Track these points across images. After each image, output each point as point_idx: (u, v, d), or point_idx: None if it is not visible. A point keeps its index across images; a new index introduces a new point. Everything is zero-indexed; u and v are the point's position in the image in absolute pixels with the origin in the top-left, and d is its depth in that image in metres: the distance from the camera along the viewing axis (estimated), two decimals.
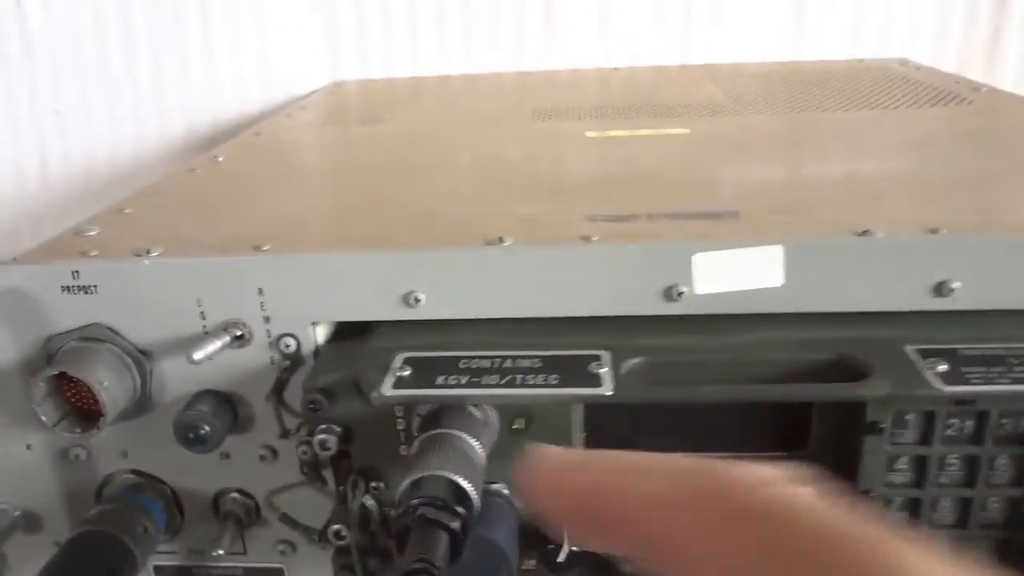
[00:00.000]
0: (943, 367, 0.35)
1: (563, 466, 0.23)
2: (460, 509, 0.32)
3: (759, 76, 0.89)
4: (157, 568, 0.47)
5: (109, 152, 0.99)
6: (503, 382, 0.36)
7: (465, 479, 0.33)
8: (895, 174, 0.50)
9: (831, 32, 0.97)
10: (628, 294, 0.39)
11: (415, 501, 0.32)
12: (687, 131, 0.63)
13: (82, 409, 0.41)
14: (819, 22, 0.96)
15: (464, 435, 0.35)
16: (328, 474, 0.42)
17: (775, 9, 0.96)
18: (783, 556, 0.18)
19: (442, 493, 0.32)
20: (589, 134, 0.64)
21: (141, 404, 0.42)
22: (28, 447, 0.45)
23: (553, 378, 0.36)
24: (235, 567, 0.46)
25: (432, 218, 0.45)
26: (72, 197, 1.00)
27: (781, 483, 0.19)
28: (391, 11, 0.96)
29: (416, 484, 0.33)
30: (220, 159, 0.62)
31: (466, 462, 0.34)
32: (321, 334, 0.42)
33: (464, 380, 0.36)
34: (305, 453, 0.42)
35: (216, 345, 0.39)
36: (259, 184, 0.55)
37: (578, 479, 0.22)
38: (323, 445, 0.38)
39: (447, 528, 0.31)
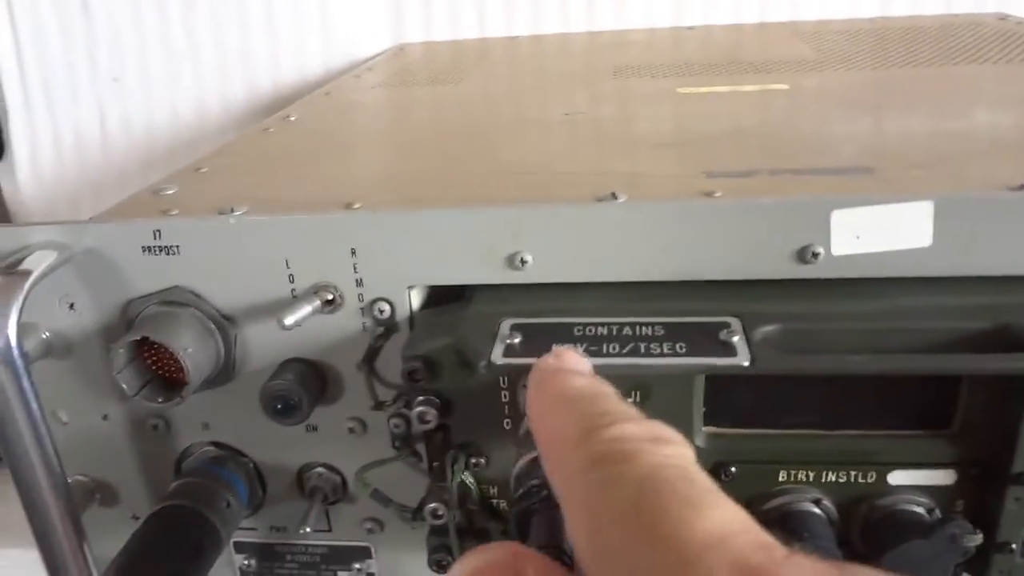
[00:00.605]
0: None
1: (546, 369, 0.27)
2: None
3: (848, 33, 0.83)
4: (237, 544, 0.45)
5: (169, 118, 0.97)
6: (625, 351, 0.33)
7: None
8: None
9: None
10: (758, 255, 0.35)
11: (536, 481, 0.29)
12: (786, 87, 0.59)
13: (164, 377, 0.39)
14: None
15: None
16: (421, 449, 0.40)
17: None
18: (609, 501, 0.21)
19: None
20: (681, 90, 0.60)
21: (225, 372, 0.40)
22: (105, 417, 0.42)
23: (680, 346, 0.33)
24: (319, 544, 0.44)
25: (532, 176, 0.42)
26: (133, 164, 0.98)
27: (638, 440, 0.22)
28: None
29: (535, 462, 0.30)
30: (293, 118, 0.59)
31: None
32: (416, 299, 0.39)
33: (582, 348, 0.33)
34: (397, 427, 0.39)
35: (307, 310, 0.37)
36: (338, 143, 0.52)
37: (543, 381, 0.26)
38: (422, 418, 0.36)
39: None
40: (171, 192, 0.43)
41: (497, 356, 0.33)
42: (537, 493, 0.28)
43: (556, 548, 0.27)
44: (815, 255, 0.35)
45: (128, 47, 0.95)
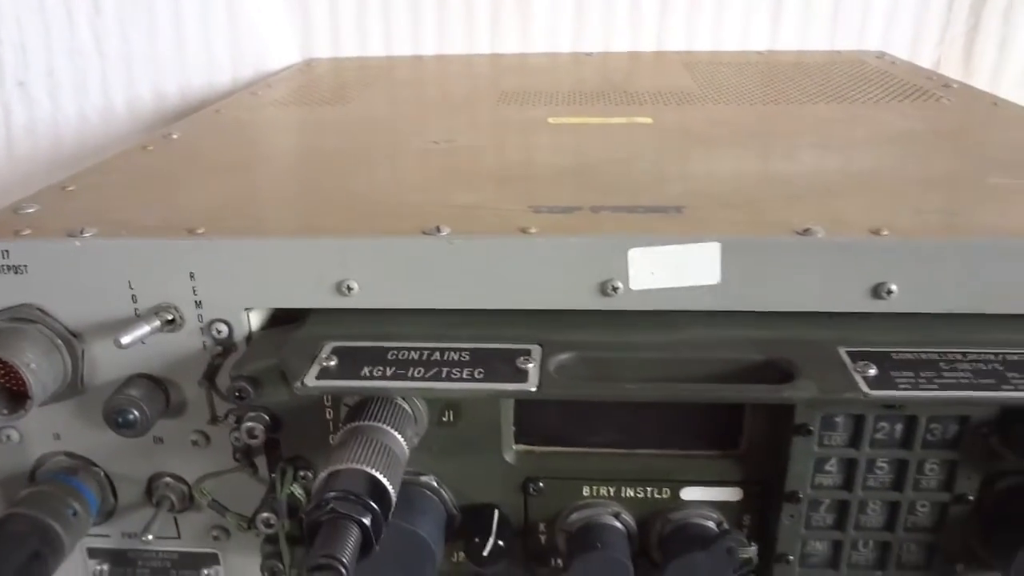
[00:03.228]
0: (872, 371, 0.35)
1: None
2: (374, 504, 0.31)
3: (735, 65, 0.88)
4: (91, 551, 0.46)
5: (76, 122, 0.98)
6: (428, 375, 0.36)
7: (382, 473, 0.33)
8: (851, 171, 0.50)
9: (810, 22, 0.96)
10: (564, 288, 0.38)
11: (328, 495, 0.31)
12: (650, 120, 0.63)
13: (11, 391, 0.41)
14: (798, 12, 0.96)
15: (387, 428, 0.35)
16: (261, 462, 0.42)
17: None
18: None
19: (356, 487, 0.32)
20: (552, 120, 0.63)
21: (72, 387, 0.42)
22: None
23: (479, 372, 0.36)
24: (169, 551, 0.46)
25: (373, 205, 0.44)
26: (39, 168, 0.98)
27: None
28: None
29: (331, 477, 0.32)
30: (175, 136, 0.61)
31: (386, 456, 0.34)
32: (256, 320, 0.41)
33: (390, 372, 0.36)
34: (237, 440, 0.41)
35: (145, 329, 0.39)
36: (208, 165, 0.54)
37: None
38: (250, 433, 0.38)
39: (358, 523, 0.31)
40: (31, 211, 0.44)
41: (311, 378, 0.36)
42: (325, 506, 0.31)
43: (336, 560, 0.29)
44: (615, 289, 0.38)
45: (34, 50, 0.96)
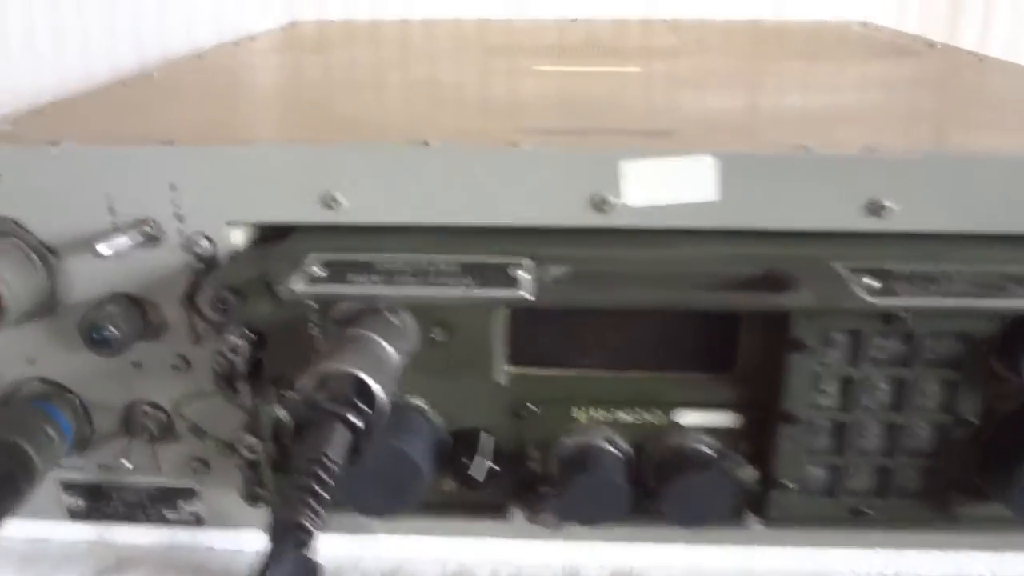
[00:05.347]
0: (871, 281, 0.34)
1: None
2: (365, 407, 0.30)
3: (720, 31, 0.87)
4: (66, 485, 0.45)
5: (56, 83, 0.96)
6: (419, 284, 0.34)
7: (373, 379, 0.31)
8: (838, 105, 0.49)
9: None
10: (555, 203, 0.37)
11: (319, 396, 0.30)
12: (638, 69, 0.62)
13: None
14: None
15: (377, 337, 0.34)
16: (244, 387, 0.40)
17: None
18: None
19: (347, 389, 0.31)
20: (537, 68, 0.62)
21: (48, 304, 0.40)
22: None
23: (469, 281, 0.35)
24: (146, 485, 0.45)
25: (359, 123, 0.43)
26: None
27: None
28: None
29: (321, 379, 0.31)
30: (155, 75, 0.59)
31: (376, 363, 0.33)
32: (240, 238, 0.40)
33: (378, 279, 0.35)
34: (219, 364, 0.40)
35: (123, 240, 0.37)
36: (190, 96, 0.53)
37: None
38: (234, 349, 0.37)
39: (349, 423, 0.30)
40: (6, 128, 0.43)
41: (297, 283, 0.34)
42: (314, 405, 0.30)
43: (327, 456, 0.28)
44: (608, 204, 0.37)
45: (13, 16, 0.94)
